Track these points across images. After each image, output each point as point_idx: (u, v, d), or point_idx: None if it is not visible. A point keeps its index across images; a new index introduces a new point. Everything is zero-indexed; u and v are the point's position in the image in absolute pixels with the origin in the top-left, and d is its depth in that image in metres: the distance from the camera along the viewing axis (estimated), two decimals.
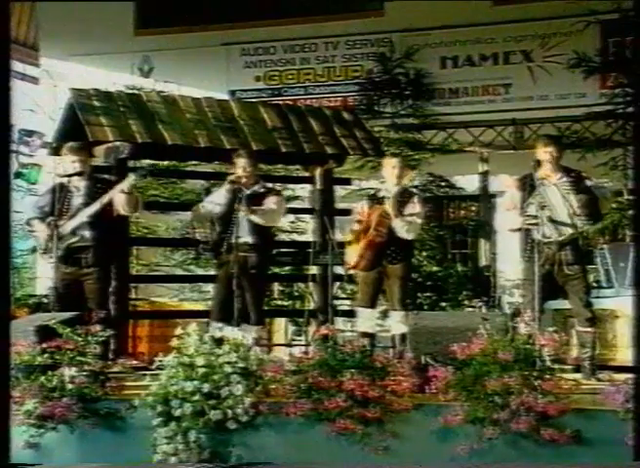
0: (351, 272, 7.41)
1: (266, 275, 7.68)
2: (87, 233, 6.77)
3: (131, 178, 6.85)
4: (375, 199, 7.36)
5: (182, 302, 10.31)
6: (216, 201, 7.21)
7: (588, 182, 6.85)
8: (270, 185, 7.54)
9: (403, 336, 6.97)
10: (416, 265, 10.68)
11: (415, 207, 7.26)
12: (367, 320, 7.26)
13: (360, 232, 7.25)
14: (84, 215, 6.76)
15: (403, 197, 7.26)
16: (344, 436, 5.50)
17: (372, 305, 7.32)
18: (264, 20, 12.39)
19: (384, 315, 7.27)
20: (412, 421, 5.55)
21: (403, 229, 7.17)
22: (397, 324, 7.12)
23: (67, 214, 6.78)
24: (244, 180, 7.13)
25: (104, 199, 6.78)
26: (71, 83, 10.90)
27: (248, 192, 7.12)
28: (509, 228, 6.98)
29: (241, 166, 7.18)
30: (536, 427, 5.33)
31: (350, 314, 7.87)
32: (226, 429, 5.55)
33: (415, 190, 7.41)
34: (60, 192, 6.84)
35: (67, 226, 6.74)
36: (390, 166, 7.39)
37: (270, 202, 7.17)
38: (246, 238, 7.03)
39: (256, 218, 7.04)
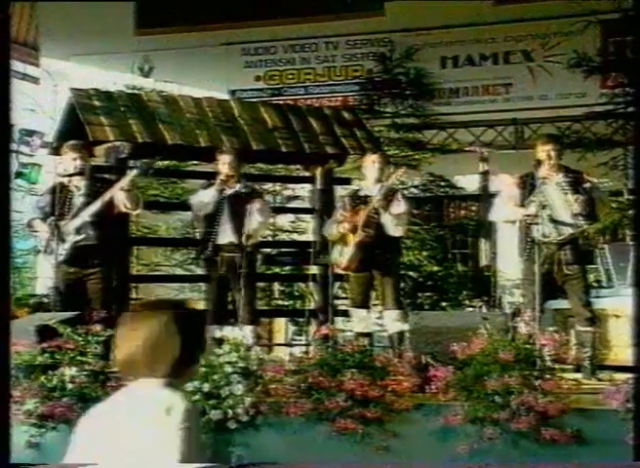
0: (341, 272, 7.38)
1: (256, 274, 7.59)
2: (90, 232, 6.76)
3: (130, 175, 6.84)
4: (357, 198, 7.27)
5: None
6: (204, 200, 7.11)
7: (587, 184, 6.85)
8: (253, 186, 7.47)
9: (401, 335, 6.97)
10: (416, 265, 10.70)
11: (399, 203, 7.17)
12: (362, 320, 7.24)
13: (347, 232, 7.16)
14: (85, 215, 6.75)
15: (387, 194, 7.16)
16: (345, 436, 5.49)
17: (365, 306, 7.30)
18: (264, 20, 12.40)
19: (380, 315, 7.26)
20: (412, 421, 5.54)
21: (392, 224, 7.11)
22: (393, 322, 7.10)
23: (69, 214, 6.78)
24: (228, 179, 7.05)
25: (105, 197, 6.76)
26: (71, 83, 10.89)
27: (230, 192, 7.05)
28: (505, 219, 6.99)
29: (225, 162, 7.09)
30: (536, 427, 5.32)
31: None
32: (227, 429, 5.54)
33: (397, 187, 7.34)
34: (61, 192, 6.84)
35: (70, 226, 6.73)
36: (370, 161, 7.31)
37: (254, 210, 6.99)
38: (230, 238, 6.97)
39: (248, 239, 6.95)
